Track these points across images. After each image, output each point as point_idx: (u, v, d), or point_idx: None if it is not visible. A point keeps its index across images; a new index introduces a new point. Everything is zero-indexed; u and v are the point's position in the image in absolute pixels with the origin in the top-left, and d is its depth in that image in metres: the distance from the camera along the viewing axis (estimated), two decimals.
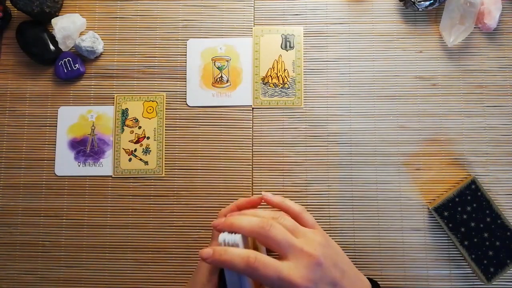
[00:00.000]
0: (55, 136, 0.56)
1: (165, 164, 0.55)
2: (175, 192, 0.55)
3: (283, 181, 0.54)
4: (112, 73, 0.57)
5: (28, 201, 0.55)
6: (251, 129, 0.56)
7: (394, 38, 0.57)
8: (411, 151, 0.55)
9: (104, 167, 0.55)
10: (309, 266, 0.33)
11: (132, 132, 0.56)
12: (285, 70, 0.57)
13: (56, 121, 0.56)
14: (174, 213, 0.54)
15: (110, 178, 0.55)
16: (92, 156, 0.55)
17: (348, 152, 0.55)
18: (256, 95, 0.56)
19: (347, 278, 0.35)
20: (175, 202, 0.54)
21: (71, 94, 0.57)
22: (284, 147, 0.55)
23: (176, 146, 0.56)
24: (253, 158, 0.55)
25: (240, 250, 0.34)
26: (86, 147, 0.56)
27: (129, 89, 0.57)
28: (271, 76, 0.57)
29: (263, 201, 0.43)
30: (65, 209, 0.55)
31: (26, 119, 0.57)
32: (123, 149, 0.56)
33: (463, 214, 0.51)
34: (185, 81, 0.57)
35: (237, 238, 0.35)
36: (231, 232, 0.36)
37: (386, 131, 0.55)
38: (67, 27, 0.56)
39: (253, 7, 0.58)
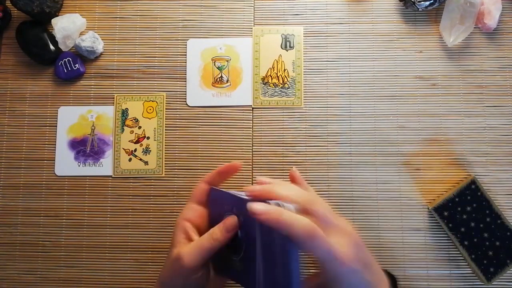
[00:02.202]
0: (55, 136, 0.56)
1: (165, 164, 0.55)
2: (175, 192, 0.55)
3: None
4: (112, 73, 0.57)
5: (28, 201, 0.55)
6: (251, 129, 0.56)
7: (394, 38, 0.57)
8: (411, 151, 0.55)
9: (104, 167, 0.55)
10: (350, 244, 0.33)
11: (132, 132, 0.56)
12: (285, 70, 0.57)
13: (56, 121, 0.56)
14: (174, 213, 0.54)
15: (110, 178, 0.55)
16: (92, 156, 0.55)
17: (348, 152, 0.55)
18: (256, 95, 0.56)
19: (374, 263, 0.36)
20: (175, 202, 0.54)
21: (71, 94, 0.57)
22: (284, 147, 0.55)
23: (176, 146, 0.56)
24: (253, 158, 0.55)
25: (301, 216, 0.33)
26: (86, 147, 0.56)
27: (129, 89, 0.57)
28: (271, 76, 0.57)
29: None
30: (65, 209, 0.55)
31: (26, 119, 0.57)
32: (123, 149, 0.56)
33: (463, 214, 0.51)
34: (185, 81, 0.57)
35: (292, 207, 0.34)
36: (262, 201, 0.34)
37: (386, 131, 0.55)
38: (67, 27, 0.56)
39: (253, 7, 0.58)
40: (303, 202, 0.34)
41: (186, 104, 0.57)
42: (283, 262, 0.34)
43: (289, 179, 0.45)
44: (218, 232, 0.39)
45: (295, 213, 0.34)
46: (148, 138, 0.56)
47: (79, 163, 0.55)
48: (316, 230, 0.32)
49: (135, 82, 0.57)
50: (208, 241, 0.39)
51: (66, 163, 0.55)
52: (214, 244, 0.38)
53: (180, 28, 0.58)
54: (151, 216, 0.54)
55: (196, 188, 0.44)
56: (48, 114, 0.57)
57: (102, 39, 0.57)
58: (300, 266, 0.34)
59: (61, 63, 0.56)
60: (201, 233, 0.42)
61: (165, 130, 0.56)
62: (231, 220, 0.39)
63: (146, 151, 0.55)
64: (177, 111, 0.56)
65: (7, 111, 0.57)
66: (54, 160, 0.56)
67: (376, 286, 0.35)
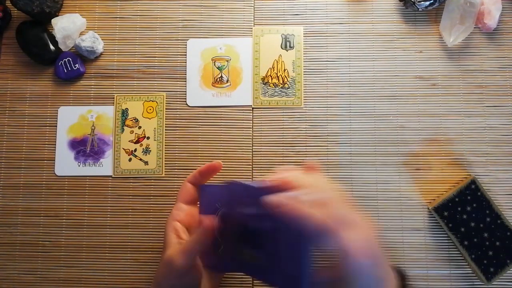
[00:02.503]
0: (55, 136, 0.56)
1: (165, 164, 0.55)
2: (175, 192, 0.55)
3: None
4: (112, 73, 0.57)
5: (28, 201, 0.55)
6: (251, 129, 0.56)
7: (394, 38, 0.57)
8: (411, 151, 0.55)
9: (104, 167, 0.55)
10: (363, 240, 0.33)
11: (132, 132, 0.56)
12: (285, 70, 0.57)
13: (56, 121, 0.56)
14: None
15: (110, 178, 0.55)
16: (92, 156, 0.55)
17: (348, 152, 0.55)
18: (256, 95, 0.56)
19: (384, 259, 0.36)
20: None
21: (71, 94, 0.57)
22: (284, 147, 0.55)
23: (176, 146, 0.56)
24: (253, 158, 0.55)
25: (317, 210, 0.33)
26: (86, 147, 0.56)
27: (129, 89, 0.57)
28: (271, 76, 0.57)
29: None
30: (65, 209, 0.55)
31: (26, 119, 0.57)
32: (123, 149, 0.56)
33: (463, 214, 0.51)
34: (185, 81, 0.57)
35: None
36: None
37: (386, 131, 0.55)
38: (67, 27, 0.56)
39: (253, 7, 0.58)
40: (320, 194, 0.34)
41: (186, 104, 0.57)
42: (294, 255, 0.34)
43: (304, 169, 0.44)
44: (197, 234, 0.40)
45: (310, 205, 0.33)
46: (148, 138, 0.56)
47: (79, 163, 0.55)
48: (330, 225, 0.32)
49: (135, 82, 0.57)
50: (192, 244, 0.40)
51: (66, 163, 0.55)
52: (196, 246, 0.39)
53: (180, 28, 0.58)
54: (151, 216, 0.54)
55: (182, 188, 0.45)
56: (48, 114, 0.57)
57: (102, 39, 0.57)
58: (313, 259, 0.34)
59: (61, 63, 0.56)
60: (192, 231, 0.43)
61: (165, 130, 0.56)
62: (206, 221, 0.40)
63: (146, 151, 0.55)
64: (177, 111, 0.56)
65: (7, 111, 0.57)
66: (54, 160, 0.56)
67: (386, 281, 0.35)
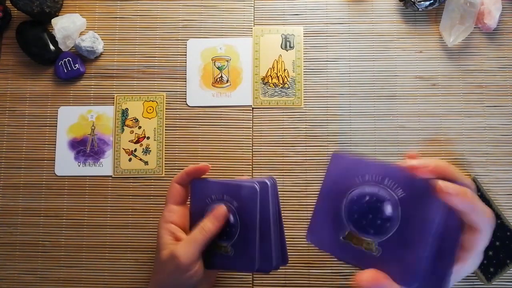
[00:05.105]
0: (55, 136, 0.56)
1: (165, 164, 0.55)
2: None
3: (283, 181, 0.54)
4: (112, 73, 0.57)
5: (28, 201, 0.55)
6: (251, 129, 0.56)
7: (394, 38, 0.57)
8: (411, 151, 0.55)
9: (104, 167, 0.55)
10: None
11: (132, 132, 0.56)
12: (285, 70, 0.57)
13: (56, 121, 0.56)
14: None
15: (110, 178, 0.55)
16: (92, 156, 0.55)
17: (348, 152, 0.55)
18: (256, 95, 0.56)
19: None
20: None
21: (71, 94, 0.57)
22: (284, 147, 0.55)
23: (176, 146, 0.56)
24: (253, 158, 0.55)
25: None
26: (86, 147, 0.56)
27: (129, 89, 0.57)
28: (271, 76, 0.57)
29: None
30: (65, 209, 0.55)
31: (26, 119, 0.57)
32: (123, 149, 0.56)
33: None
34: (185, 81, 0.57)
35: None
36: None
37: (386, 131, 0.55)
38: (67, 27, 0.56)
39: (253, 7, 0.58)
40: (467, 192, 0.30)
41: (186, 104, 0.57)
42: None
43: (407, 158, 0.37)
44: (208, 223, 0.40)
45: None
46: (148, 138, 0.56)
47: (79, 163, 0.55)
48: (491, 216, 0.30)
49: (135, 82, 0.57)
50: (200, 234, 0.40)
51: (66, 163, 0.55)
52: (206, 235, 0.40)
53: (180, 28, 0.58)
54: (151, 216, 0.54)
55: (170, 189, 0.44)
56: (48, 114, 0.57)
57: (102, 39, 0.57)
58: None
59: (61, 63, 0.56)
60: (186, 232, 0.42)
61: (165, 130, 0.56)
62: (220, 209, 0.41)
63: (146, 151, 0.55)
64: (177, 111, 0.56)
65: (7, 111, 0.57)
66: (54, 160, 0.56)
67: None
